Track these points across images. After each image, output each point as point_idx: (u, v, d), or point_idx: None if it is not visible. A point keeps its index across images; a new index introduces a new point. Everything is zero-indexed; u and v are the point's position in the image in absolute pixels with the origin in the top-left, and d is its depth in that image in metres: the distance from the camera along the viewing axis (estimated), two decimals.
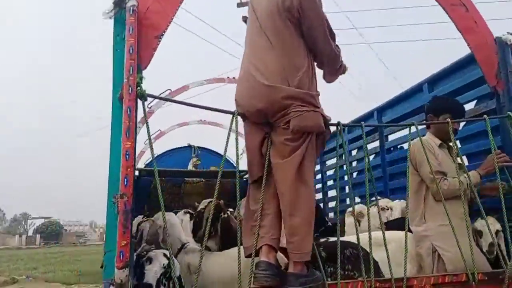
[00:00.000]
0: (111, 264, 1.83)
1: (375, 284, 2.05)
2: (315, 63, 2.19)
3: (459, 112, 2.58)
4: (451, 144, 2.58)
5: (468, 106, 2.89)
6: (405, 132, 3.72)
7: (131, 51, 1.95)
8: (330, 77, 2.30)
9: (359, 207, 3.08)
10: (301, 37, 2.06)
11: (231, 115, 2.12)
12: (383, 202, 3.27)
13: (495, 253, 2.32)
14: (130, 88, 1.90)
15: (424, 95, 3.44)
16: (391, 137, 4.04)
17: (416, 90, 3.59)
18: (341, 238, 2.72)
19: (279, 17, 2.02)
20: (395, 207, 3.25)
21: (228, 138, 2.11)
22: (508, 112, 2.45)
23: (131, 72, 1.92)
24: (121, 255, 1.77)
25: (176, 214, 3.36)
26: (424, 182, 2.47)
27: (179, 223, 3.18)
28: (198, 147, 6.71)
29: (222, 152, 2.17)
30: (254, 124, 2.13)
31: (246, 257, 2.03)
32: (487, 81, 2.61)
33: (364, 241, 2.18)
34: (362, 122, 2.43)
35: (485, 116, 2.42)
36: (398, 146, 3.98)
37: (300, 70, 2.03)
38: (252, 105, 2.04)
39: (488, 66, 2.60)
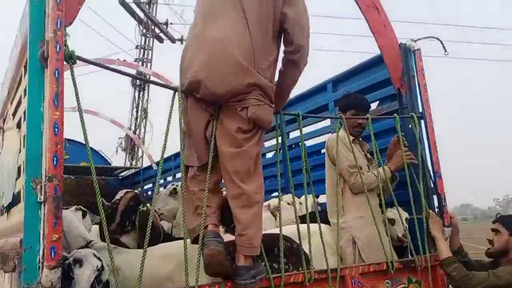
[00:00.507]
0: (32, 264, 1.44)
1: (314, 275, 2.08)
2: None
3: (365, 108, 2.76)
4: (360, 139, 2.80)
5: (372, 106, 3.14)
6: (308, 129, 3.89)
7: (58, 0, 1.57)
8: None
9: (274, 201, 3.07)
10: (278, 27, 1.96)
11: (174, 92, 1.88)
12: (289, 197, 3.30)
13: (408, 238, 2.56)
14: (58, 46, 1.53)
15: (328, 94, 3.63)
16: (292, 134, 4.15)
17: (320, 89, 3.76)
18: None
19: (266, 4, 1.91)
20: (303, 202, 3.32)
21: (169, 119, 1.87)
22: (412, 113, 2.74)
23: (58, 26, 1.55)
24: (53, 252, 1.40)
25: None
26: (341, 176, 2.57)
27: (76, 219, 2.73)
28: (66, 139, 5.93)
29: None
30: (199, 102, 1.92)
31: (192, 241, 1.92)
32: (393, 83, 2.86)
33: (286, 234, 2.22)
34: (299, 112, 2.44)
35: (395, 114, 2.67)
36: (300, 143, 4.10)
37: (269, 58, 1.93)
38: (217, 80, 1.82)
39: (394, 68, 2.81)
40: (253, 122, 1.87)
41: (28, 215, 1.48)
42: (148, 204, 2.39)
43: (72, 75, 1.61)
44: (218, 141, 1.91)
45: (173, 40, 11.89)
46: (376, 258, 2.41)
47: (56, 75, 1.49)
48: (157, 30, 11.82)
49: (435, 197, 2.73)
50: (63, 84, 1.51)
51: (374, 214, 2.46)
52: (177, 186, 3.07)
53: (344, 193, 2.60)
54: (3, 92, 2.92)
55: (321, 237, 2.20)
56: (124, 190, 2.45)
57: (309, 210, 2.75)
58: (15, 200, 2.21)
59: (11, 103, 2.53)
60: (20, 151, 2.14)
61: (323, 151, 3.35)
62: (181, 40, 12.04)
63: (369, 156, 2.80)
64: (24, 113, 2.07)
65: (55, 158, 1.44)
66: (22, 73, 2.14)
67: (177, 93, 1.88)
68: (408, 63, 2.86)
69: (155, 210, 2.52)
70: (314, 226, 2.38)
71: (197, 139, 1.94)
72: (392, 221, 2.60)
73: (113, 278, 1.72)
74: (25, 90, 2.08)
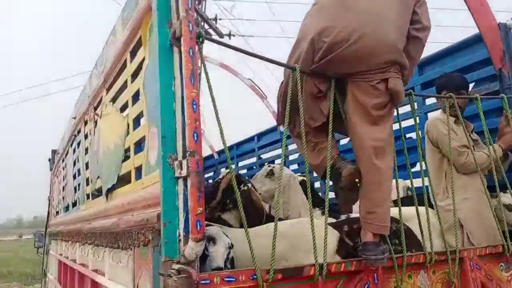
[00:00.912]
0: (173, 237, 1.48)
1: (435, 257, 2.04)
2: None
3: (465, 88, 2.68)
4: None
5: None
6: None
7: None
8: None
9: None
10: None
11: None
12: None
13: None
14: (190, 25, 1.55)
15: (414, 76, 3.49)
16: None
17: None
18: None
19: None
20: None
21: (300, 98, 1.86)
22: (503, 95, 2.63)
23: (189, 5, 1.56)
24: (198, 225, 1.43)
25: None
26: (444, 157, 2.52)
27: None
28: None
29: None
30: (312, 78, 1.94)
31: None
32: (494, 63, 2.76)
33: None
34: (410, 90, 2.39)
35: (502, 94, 2.58)
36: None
37: (404, 37, 1.95)
38: (367, 53, 1.82)
39: (494, 48, 2.73)
40: (390, 95, 1.86)
41: (166, 190, 1.52)
42: (249, 184, 2.42)
43: (201, 54, 1.62)
44: (352, 117, 1.92)
45: (221, 36, 12.00)
46: (487, 241, 2.33)
47: (191, 54, 1.51)
48: (206, 26, 11.95)
49: None
50: (197, 62, 1.54)
51: (481, 196, 2.38)
52: (273, 167, 3.09)
53: (448, 175, 2.52)
54: (92, 82, 3.04)
55: (428, 220, 2.14)
56: (226, 170, 2.48)
57: (401, 195, 2.70)
58: (124, 180, 2.30)
59: (107, 90, 2.62)
60: (128, 134, 2.21)
61: (409, 135, 3.25)
62: (229, 35, 12.17)
63: (474, 136, 2.71)
64: (133, 96, 2.15)
65: (195, 134, 1.47)
66: (127, 59, 2.20)
67: (296, 72, 1.88)
68: (509, 43, 2.76)
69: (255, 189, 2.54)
70: (414, 209, 2.34)
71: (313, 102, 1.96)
72: (508, 207, 2.50)
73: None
74: (132, 74, 2.16)
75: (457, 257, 2.08)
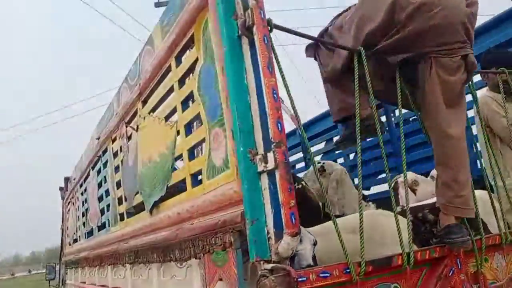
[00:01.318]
0: (262, 235, 1.40)
1: (510, 237, 2.01)
2: None
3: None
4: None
5: None
6: None
7: None
8: None
9: (411, 176, 2.97)
10: None
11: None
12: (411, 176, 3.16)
13: None
14: (262, 12, 1.50)
15: None
16: None
17: None
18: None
19: None
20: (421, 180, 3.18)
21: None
22: None
23: None
24: (293, 218, 1.36)
25: None
26: (496, 136, 2.48)
27: None
28: None
29: None
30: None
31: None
32: None
33: None
34: None
35: None
36: (410, 119, 3.97)
37: None
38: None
39: None
40: (469, 71, 1.83)
41: (250, 187, 1.45)
42: (302, 182, 2.35)
43: (271, 42, 1.56)
44: (433, 99, 1.85)
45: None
46: None
47: (266, 42, 1.46)
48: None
49: None
50: (271, 50, 1.49)
51: None
52: (324, 164, 3.02)
53: (504, 154, 2.49)
54: (121, 98, 2.97)
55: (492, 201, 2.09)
56: None
57: None
58: (173, 190, 2.21)
59: (144, 102, 2.56)
60: (175, 141, 2.15)
61: None
62: None
63: None
64: (183, 102, 2.09)
65: (278, 124, 1.41)
66: (171, 64, 2.15)
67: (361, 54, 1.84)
68: None
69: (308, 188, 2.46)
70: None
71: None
72: None
73: None
74: (180, 79, 2.10)
75: None
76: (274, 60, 1.52)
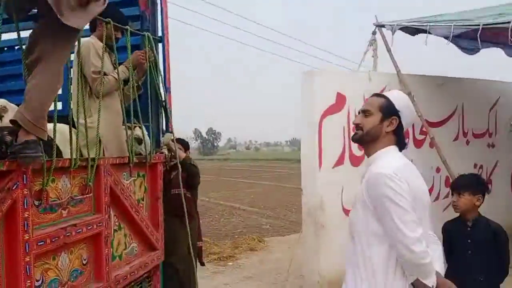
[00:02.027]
0: None
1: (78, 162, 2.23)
2: None
3: (122, 21, 2.91)
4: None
5: None
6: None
7: None
8: None
9: (2, 102, 2.66)
10: None
11: None
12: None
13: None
14: None
15: None
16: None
17: None
18: None
19: None
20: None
21: None
22: (148, 33, 3.08)
23: None
24: None
25: None
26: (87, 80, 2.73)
27: None
28: None
29: None
30: None
31: None
32: (139, 4, 3.11)
33: None
34: None
35: (146, 33, 2.99)
36: (16, 47, 3.55)
37: None
38: None
39: None
40: None
41: None
42: None
43: None
44: None
45: None
46: (118, 153, 2.77)
47: None
48: None
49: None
50: None
51: (118, 116, 2.78)
52: None
53: (90, 97, 2.76)
54: None
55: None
56: None
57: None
58: None
59: None
60: None
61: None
62: None
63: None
64: None
65: None
66: None
67: None
68: None
69: None
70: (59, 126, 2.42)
71: None
72: (139, 141, 2.92)
73: None
74: None
75: (95, 164, 2.35)
76: None
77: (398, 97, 1.99)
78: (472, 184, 2.75)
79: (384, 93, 2.06)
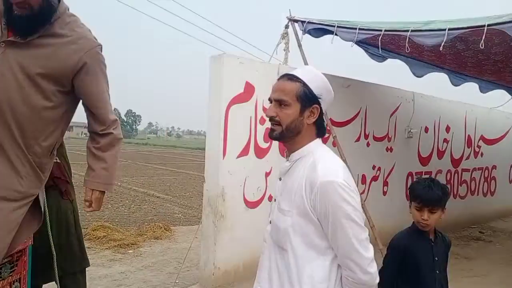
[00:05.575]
0: None
1: None
2: None
3: None
4: None
5: None
6: None
7: None
8: None
9: None
10: None
11: None
12: None
13: None
14: None
15: None
16: None
17: None
18: None
19: None
20: None
21: None
22: None
23: None
24: None
25: None
26: None
27: None
28: None
29: None
30: None
31: None
32: None
33: None
34: None
35: None
36: None
37: None
38: None
39: None
40: None
41: None
42: None
43: None
44: None
45: None
46: None
47: None
48: None
49: None
50: None
51: None
52: None
53: None
54: None
55: None
56: None
57: None
58: None
59: None
60: None
61: None
62: None
63: None
64: None
65: None
66: None
67: None
68: None
69: None
70: None
71: None
72: None
73: None
74: None
75: None
76: None
77: (314, 79, 1.68)
78: (442, 199, 2.35)
79: (296, 73, 1.68)
